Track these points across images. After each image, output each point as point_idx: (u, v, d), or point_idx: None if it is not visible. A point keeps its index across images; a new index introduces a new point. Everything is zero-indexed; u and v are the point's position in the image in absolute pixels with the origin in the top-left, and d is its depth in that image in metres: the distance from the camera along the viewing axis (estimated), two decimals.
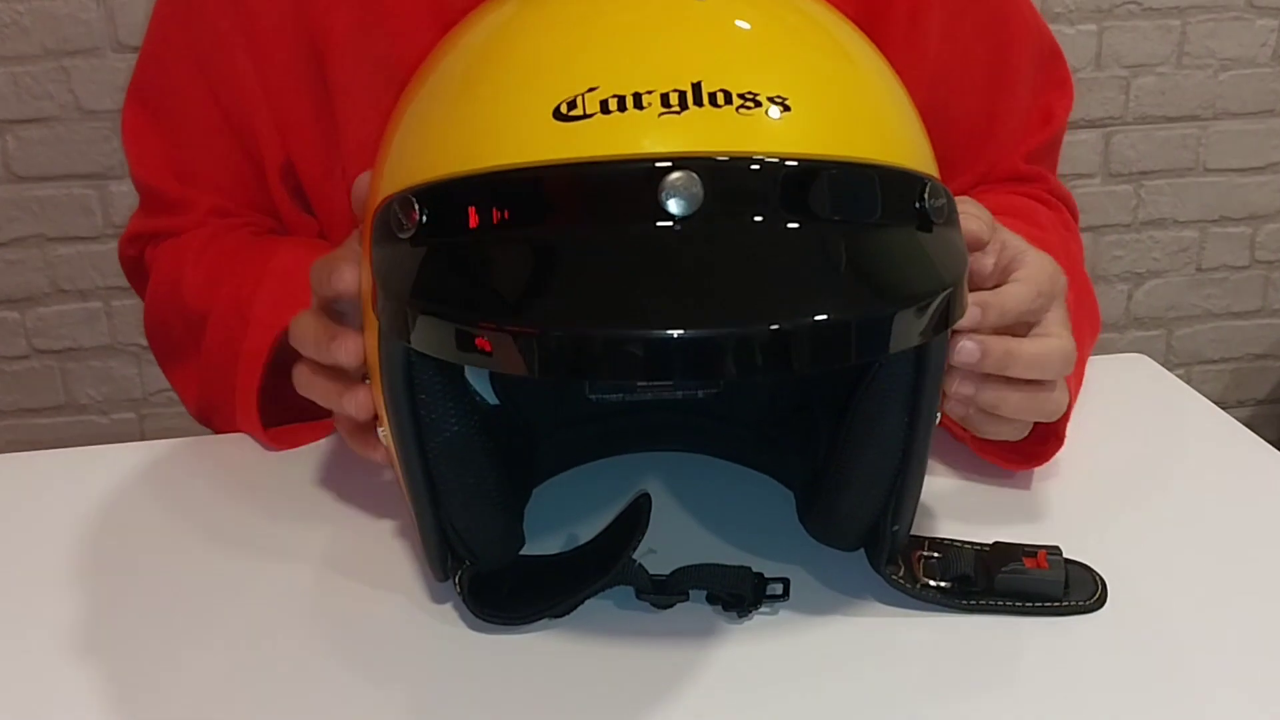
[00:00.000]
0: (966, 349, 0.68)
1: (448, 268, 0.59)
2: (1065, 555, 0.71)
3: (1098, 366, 0.99)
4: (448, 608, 0.71)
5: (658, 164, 0.56)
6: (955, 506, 0.79)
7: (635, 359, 0.55)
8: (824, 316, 0.56)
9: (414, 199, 0.60)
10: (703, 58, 0.59)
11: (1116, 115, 2.11)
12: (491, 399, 0.79)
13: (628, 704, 0.64)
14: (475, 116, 0.60)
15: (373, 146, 0.67)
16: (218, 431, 0.94)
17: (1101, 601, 0.70)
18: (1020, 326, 0.71)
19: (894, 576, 0.70)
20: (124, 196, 1.75)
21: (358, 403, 0.70)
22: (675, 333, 0.54)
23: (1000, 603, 0.69)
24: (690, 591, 0.70)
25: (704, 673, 0.65)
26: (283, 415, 0.89)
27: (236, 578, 0.74)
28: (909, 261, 0.60)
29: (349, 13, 0.91)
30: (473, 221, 0.59)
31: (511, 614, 0.69)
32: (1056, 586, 0.69)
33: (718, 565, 0.70)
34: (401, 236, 0.61)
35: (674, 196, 0.56)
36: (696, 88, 0.58)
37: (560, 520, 0.77)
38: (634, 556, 0.69)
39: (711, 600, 0.70)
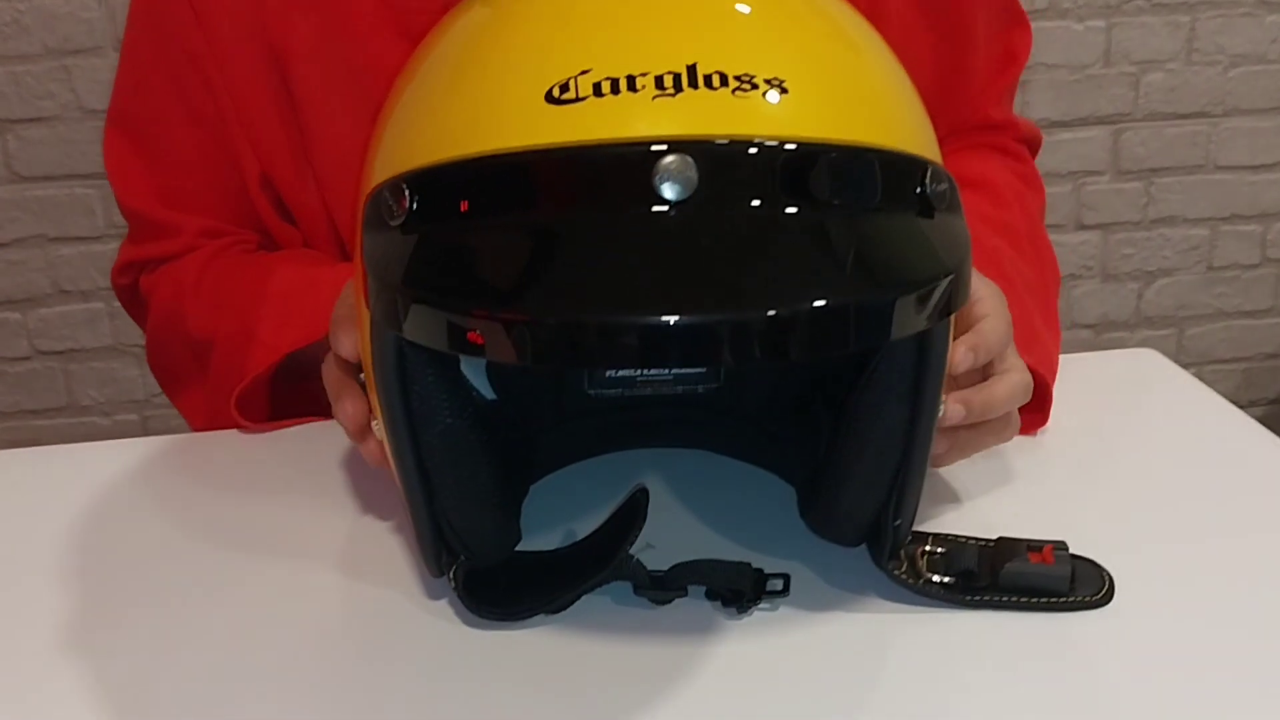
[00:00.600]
0: (955, 412, 0.69)
1: (439, 255, 0.58)
2: (1072, 550, 0.69)
3: (1106, 361, 0.98)
4: (443, 604, 0.70)
5: (652, 147, 0.55)
6: (959, 501, 0.78)
7: (630, 346, 0.54)
8: (823, 302, 0.55)
9: (404, 185, 0.59)
10: (698, 39, 0.58)
11: (1125, 112, 2.10)
12: (489, 394, 0.78)
13: (625, 701, 0.62)
14: (466, 101, 0.59)
15: (341, 152, 0.67)
16: None
17: (1108, 598, 0.68)
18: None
19: (896, 572, 0.68)
20: None
21: (368, 450, 0.71)
22: (670, 319, 0.53)
23: (1005, 599, 0.68)
24: (689, 587, 0.69)
25: (702, 670, 0.64)
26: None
27: (229, 573, 0.74)
28: (910, 247, 0.59)
29: (309, 20, 0.91)
30: (463, 207, 0.58)
31: (507, 610, 0.68)
32: (1062, 582, 0.68)
33: (717, 561, 0.69)
34: (392, 224, 0.60)
35: (668, 181, 0.55)
36: (691, 70, 0.56)
37: (558, 516, 0.76)
38: (632, 552, 0.68)
39: (711, 596, 0.69)
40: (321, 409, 0.77)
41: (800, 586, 0.69)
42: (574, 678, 0.64)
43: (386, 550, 0.75)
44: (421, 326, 0.57)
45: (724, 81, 0.56)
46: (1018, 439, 0.80)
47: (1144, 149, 2.14)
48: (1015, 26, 1.02)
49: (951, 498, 0.78)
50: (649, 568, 0.69)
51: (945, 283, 0.58)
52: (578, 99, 0.56)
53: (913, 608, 0.68)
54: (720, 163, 0.56)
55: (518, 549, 0.72)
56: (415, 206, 0.59)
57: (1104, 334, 2.28)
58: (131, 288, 1.01)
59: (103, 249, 1.71)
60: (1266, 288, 2.30)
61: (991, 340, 0.71)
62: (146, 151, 0.97)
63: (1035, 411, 0.83)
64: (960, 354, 0.69)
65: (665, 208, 0.55)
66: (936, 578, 0.69)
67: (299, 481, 0.83)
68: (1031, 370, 0.75)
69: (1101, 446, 0.85)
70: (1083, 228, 2.18)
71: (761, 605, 0.68)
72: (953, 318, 0.64)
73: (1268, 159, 2.17)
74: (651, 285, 0.54)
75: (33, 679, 0.65)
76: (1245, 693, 0.62)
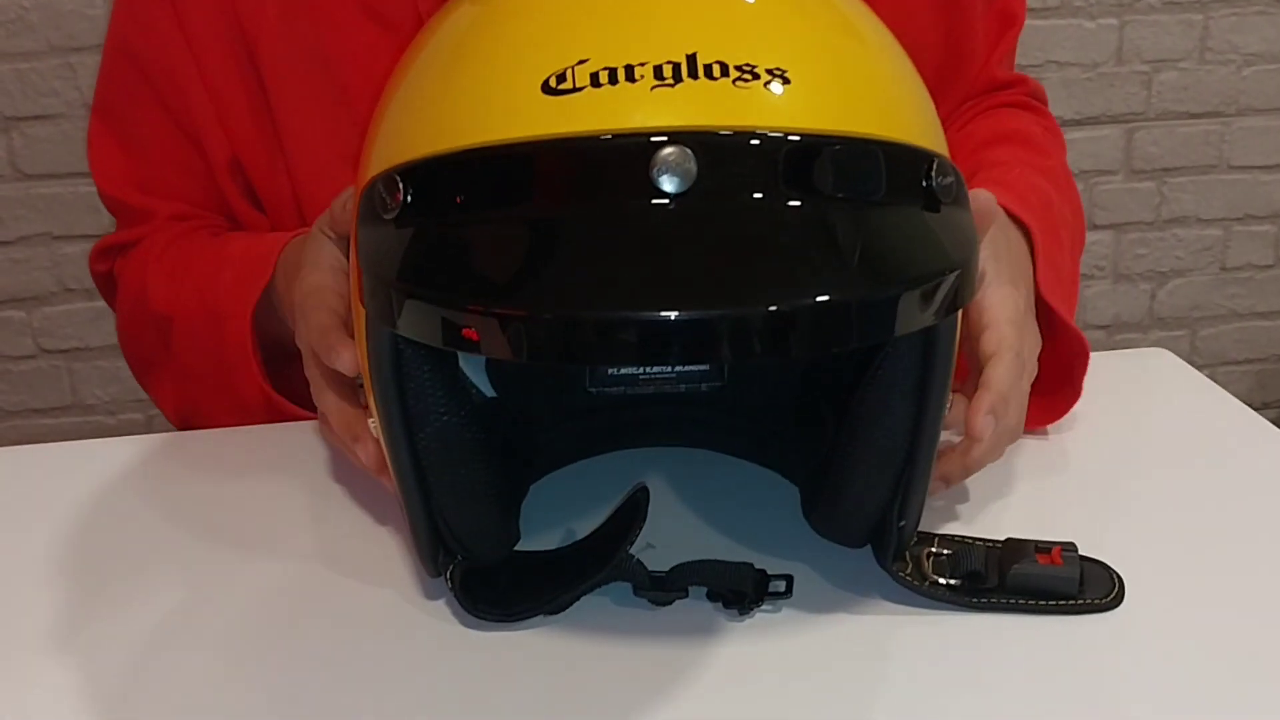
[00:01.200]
0: (936, 487, 0.70)
1: (433, 249, 0.57)
2: (1081, 552, 0.68)
3: (1119, 361, 0.97)
4: (440, 604, 0.69)
5: (651, 139, 0.54)
6: (967, 501, 0.77)
7: (626, 342, 0.53)
8: (825, 298, 0.53)
9: (398, 178, 0.58)
10: (698, 28, 0.57)
11: (1138, 111, 2.08)
12: (488, 391, 0.77)
13: (624, 704, 0.61)
14: (462, 92, 0.58)
15: (309, 136, 0.66)
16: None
17: (1118, 600, 0.67)
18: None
19: (901, 574, 0.67)
20: None
21: (366, 452, 0.70)
22: (669, 314, 0.51)
23: (1012, 601, 0.67)
24: (690, 588, 0.68)
25: (703, 672, 0.63)
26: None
27: (225, 571, 0.73)
28: (915, 241, 0.58)
29: (277, 3, 0.91)
30: (458, 200, 0.57)
31: (505, 610, 0.67)
32: (1071, 584, 0.67)
33: (719, 561, 0.68)
34: (386, 217, 0.59)
35: (667, 173, 0.54)
36: (691, 59, 0.55)
37: (558, 516, 0.75)
38: (632, 552, 0.66)
39: (712, 597, 0.68)
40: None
41: (803, 588, 0.68)
42: (573, 679, 0.63)
43: (384, 549, 0.74)
44: (416, 322, 0.56)
45: (725, 71, 0.55)
46: (1025, 437, 0.79)
47: (1157, 148, 2.12)
48: None
49: (959, 498, 0.77)
50: (650, 568, 0.68)
51: (951, 278, 0.57)
52: (575, 89, 0.55)
53: (918, 610, 0.67)
54: (721, 155, 0.55)
55: (516, 548, 0.71)
56: (409, 199, 0.58)
57: (1116, 335, 2.26)
58: (108, 274, 1.01)
59: None
60: None
61: (1005, 388, 0.70)
62: (123, 138, 0.97)
63: (1065, 387, 0.83)
64: (980, 422, 0.68)
65: (665, 201, 0.54)
66: (942, 579, 0.67)
67: (298, 479, 0.82)
68: (1063, 350, 0.75)
69: (1112, 447, 0.83)
70: (1095, 227, 2.16)
71: (764, 607, 0.67)
72: (960, 314, 0.63)
73: None
74: (650, 280, 0.53)
75: (26, 676, 0.65)
76: (1257, 697, 0.61)
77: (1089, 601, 0.67)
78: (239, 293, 0.87)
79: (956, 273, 0.57)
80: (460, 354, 0.66)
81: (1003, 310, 0.72)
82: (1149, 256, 2.21)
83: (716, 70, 0.55)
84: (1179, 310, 2.26)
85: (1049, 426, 0.85)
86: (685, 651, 0.65)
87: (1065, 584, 0.67)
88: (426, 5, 0.87)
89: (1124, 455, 0.82)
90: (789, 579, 0.68)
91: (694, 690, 0.62)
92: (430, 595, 0.69)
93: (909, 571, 0.68)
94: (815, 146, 0.56)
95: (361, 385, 0.68)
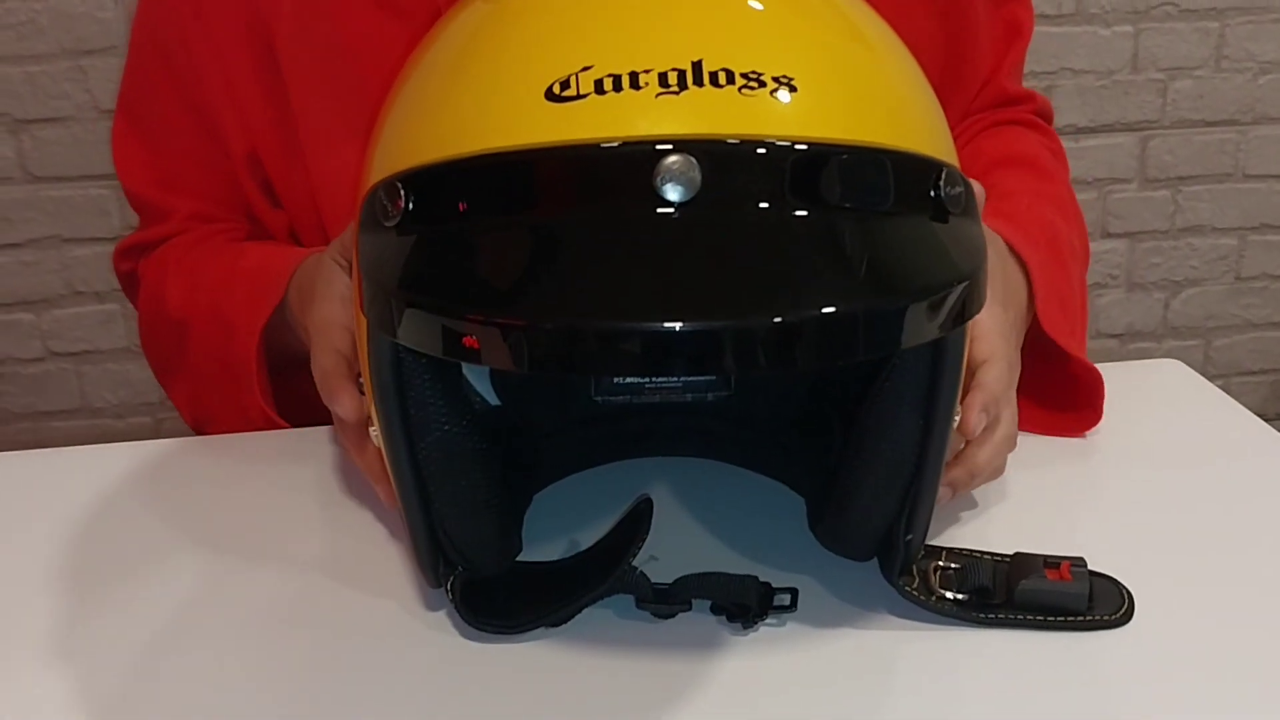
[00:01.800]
0: (943, 494, 0.70)
1: (434, 257, 0.56)
2: (1090, 567, 0.67)
3: (1130, 371, 0.96)
4: (441, 615, 0.68)
5: (658, 146, 0.53)
6: (975, 514, 0.76)
7: (628, 353, 0.52)
8: (831, 309, 0.52)
9: (399, 185, 0.57)
10: (704, 35, 0.56)
11: (1153, 119, 2.07)
12: (493, 399, 0.76)
13: (626, 717, 0.61)
14: (465, 98, 0.58)
15: (325, 129, 0.65)
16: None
17: (1128, 616, 0.66)
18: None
19: (908, 588, 0.66)
20: None
21: (367, 461, 0.72)
22: (671, 325, 0.51)
23: (1020, 616, 0.66)
24: (693, 601, 0.67)
25: (706, 686, 0.62)
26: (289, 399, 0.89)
27: (228, 578, 0.72)
28: (923, 252, 0.57)
29: None
30: (460, 208, 0.56)
31: (506, 622, 0.66)
32: (1080, 600, 0.66)
33: (723, 574, 0.67)
34: (387, 225, 0.58)
35: (670, 181, 0.53)
36: (697, 66, 0.54)
37: (561, 526, 0.75)
38: (635, 563, 0.66)
39: (716, 610, 0.67)
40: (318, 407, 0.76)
41: (808, 601, 0.67)
42: (574, 693, 0.63)
43: (388, 559, 0.73)
44: (416, 331, 0.55)
45: (730, 79, 0.54)
46: (1034, 450, 0.78)
47: (1172, 157, 2.11)
48: (1015, 1, 1.01)
49: (968, 510, 0.76)
50: (653, 580, 0.67)
51: (959, 289, 0.56)
52: (579, 96, 0.54)
53: (925, 625, 0.66)
54: (726, 163, 0.54)
55: (519, 559, 0.70)
56: (411, 207, 0.57)
57: (1130, 344, 2.25)
58: (131, 274, 1.01)
59: None
60: None
61: (998, 391, 0.71)
62: (146, 136, 0.97)
63: (1086, 409, 0.85)
64: (974, 418, 0.69)
65: (669, 210, 0.53)
66: (950, 594, 0.67)
67: (304, 486, 0.81)
68: (1079, 367, 0.76)
69: (1123, 459, 0.82)
70: (1109, 236, 2.15)
71: (768, 620, 0.66)
72: (969, 325, 0.62)
73: None
74: (652, 290, 0.52)
75: (29, 679, 0.64)
76: (1268, 718, 0.60)
77: (1098, 618, 0.66)
78: (249, 310, 0.87)
79: (965, 283, 0.57)
80: (463, 362, 0.65)
81: (993, 323, 0.73)
82: (1163, 265, 2.20)
83: (722, 78, 0.54)
84: (1193, 320, 2.24)
85: (1058, 439, 0.84)
86: (688, 665, 0.64)
87: (1074, 600, 0.66)
88: None
89: (1135, 467, 0.82)
90: (794, 592, 0.67)
91: (696, 705, 0.61)
92: (431, 606, 0.69)
93: (915, 586, 0.67)
94: (822, 155, 0.56)
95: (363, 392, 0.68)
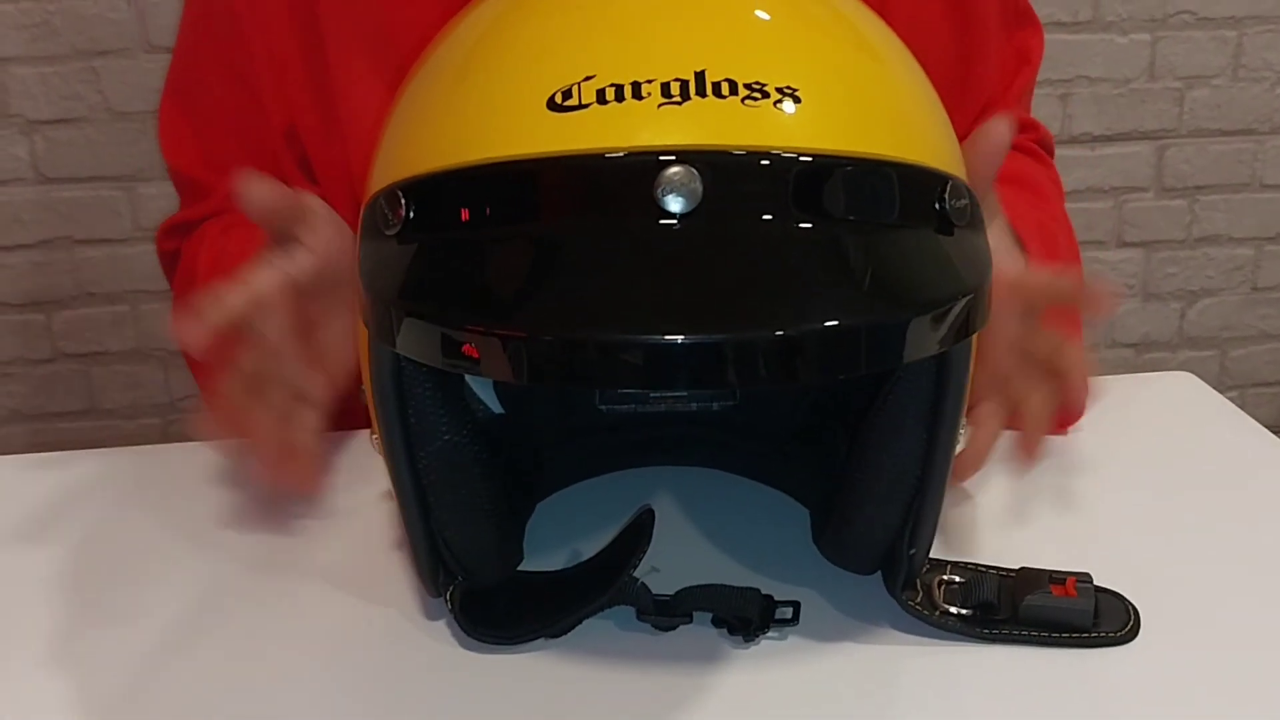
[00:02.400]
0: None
1: (434, 266, 0.56)
2: (1097, 583, 0.66)
3: (1142, 384, 0.95)
4: (441, 624, 0.68)
5: (661, 157, 0.53)
6: (981, 528, 0.75)
7: (629, 366, 0.51)
8: (834, 322, 0.52)
9: (400, 193, 0.57)
10: (707, 45, 0.55)
11: (1170, 128, 2.06)
12: (496, 407, 0.76)
13: None
14: (466, 107, 0.57)
15: (365, 109, 0.65)
16: None
17: (1134, 633, 0.65)
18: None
19: (911, 603, 0.66)
20: (153, 199, 1.74)
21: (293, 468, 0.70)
22: (672, 338, 0.50)
23: (1024, 633, 0.65)
24: (695, 613, 0.66)
25: (706, 699, 0.62)
26: None
27: (227, 586, 0.72)
28: (927, 265, 0.56)
29: None
30: (461, 217, 0.56)
31: (506, 633, 0.65)
32: (1085, 616, 0.65)
33: (724, 586, 0.67)
34: (388, 233, 0.58)
35: (671, 193, 0.52)
36: (700, 77, 0.54)
37: (564, 535, 0.74)
38: (636, 575, 0.65)
39: (717, 623, 0.67)
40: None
41: (811, 615, 0.67)
42: (572, 704, 0.62)
43: (388, 567, 0.73)
44: (414, 341, 0.55)
45: (734, 89, 0.54)
46: (1041, 463, 0.78)
47: (1188, 166, 2.10)
48: (1027, 26, 1.01)
49: (974, 521, 0.75)
50: (655, 591, 0.67)
51: (963, 303, 0.55)
52: (580, 106, 0.54)
53: (928, 640, 0.65)
54: (728, 175, 0.53)
55: (520, 569, 0.70)
56: (411, 216, 0.57)
57: (1145, 354, 2.24)
58: (174, 254, 1.00)
59: (129, 252, 1.70)
60: None
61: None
62: (193, 114, 0.97)
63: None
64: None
65: (671, 221, 0.53)
66: (954, 609, 0.66)
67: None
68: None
69: (1132, 473, 0.82)
70: (1124, 245, 2.14)
71: (770, 634, 0.66)
72: (975, 338, 0.62)
73: None
74: (653, 302, 0.52)
75: (29, 684, 0.64)
76: None
77: (1103, 635, 0.65)
78: None
79: (969, 297, 0.56)
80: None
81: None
82: (1179, 275, 2.19)
83: (725, 88, 0.54)
84: (1209, 330, 2.23)
85: (1069, 453, 0.83)
86: (688, 678, 0.63)
87: (1079, 616, 0.65)
88: None
89: (1144, 481, 0.81)
90: (796, 606, 0.67)
91: (696, 717, 0.61)
92: (432, 615, 0.68)
93: (919, 600, 0.66)
94: (826, 167, 0.55)
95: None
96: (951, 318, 0.55)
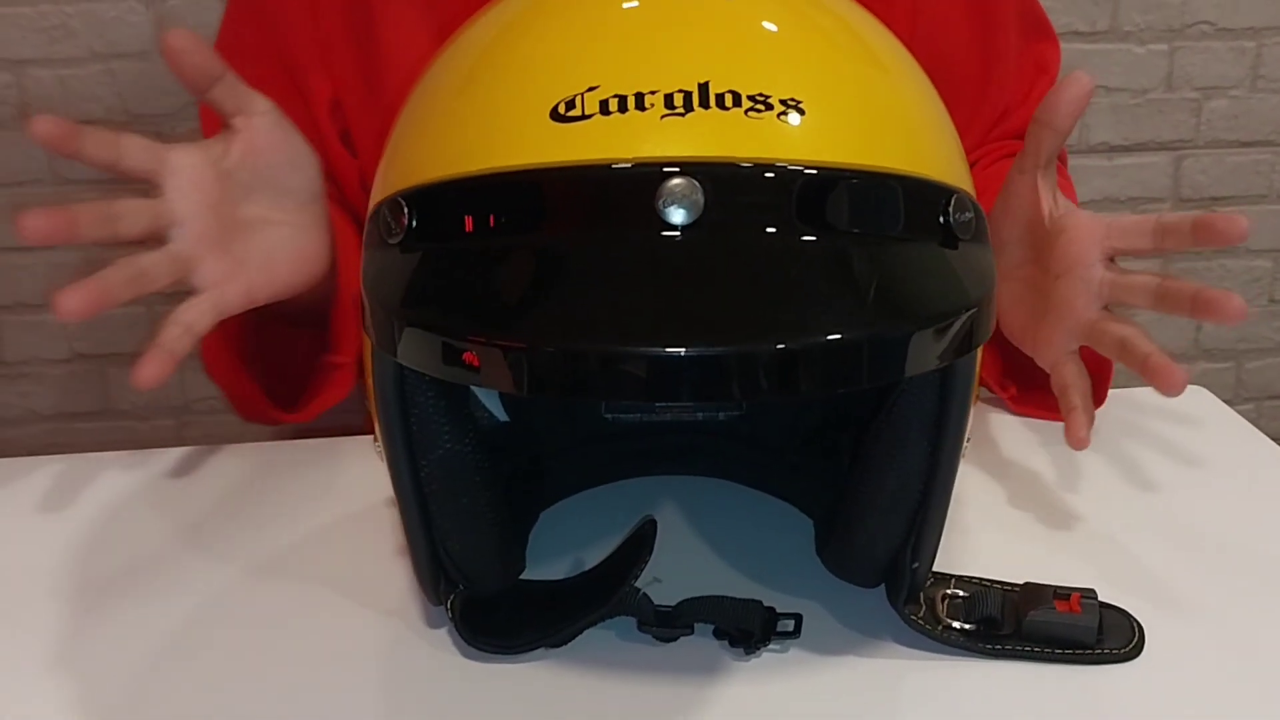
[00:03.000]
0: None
1: (435, 275, 0.56)
2: (1101, 599, 0.66)
3: (1154, 398, 0.94)
4: (442, 633, 0.67)
5: (665, 168, 0.53)
6: (986, 542, 0.75)
7: (628, 377, 0.51)
8: (836, 336, 0.52)
9: (403, 202, 0.57)
10: (711, 56, 0.55)
11: (1187, 139, 2.04)
12: (501, 415, 0.76)
13: None
14: (470, 117, 0.57)
15: (413, 78, 0.64)
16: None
17: (1138, 650, 0.65)
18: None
19: (914, 617, 0.65)
20: None
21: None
22: (672, 350, 0.50)
23: (1028, 648, 0.65)
24: (696, 625, 0.66)
25: (706, 712, 0.62)
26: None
27: (230, 590, 0.72)
28: (930, 279, 0.56)
29: None
30: (463, 227, 0.56)
31: (506, 642, 0.65)
32: (1089, 633, 0.65)
33: (726, 598, 0.67)
34: (391, 242, 0.58)
35: (673, 204, 0.52)
36: (703, 88, 0.54)
37: (568, 544, 0.74)
38: (638, 585, 0.65)
39: (718, 635, 0.66)
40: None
41: (813, 628, 0.67)
42: (573, 715, 0.62)
43: (390, 574, 0.72)
44: (415, 351, 0.55)
45: (737, 101, 0.54)
46: (1051, 476, 0.77)
47: (1205, 177, 2.08)
48: (1044, 39, 1.02)
49: (978, 538, 0.75)
50: (656, 603, 0.66)
51: (965, 317, 0.55)
52: (584, 117, 0.54)
53: (930, 655, 0.65)
54: (730, 186, 0.53)
55: (522, 577, 0.69)
56: (414, 224, 0.57)
57: None
58: None
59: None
60: None
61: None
62: None
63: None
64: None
65: (673, 232, 0.53)
66: (957, 624, 0.66)
67: (313, 497, 0.81)
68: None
69: (1141, 488, 0.81)
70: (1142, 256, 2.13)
71: (771, 646, 0.66)
72: (979, 350, 0.61)
73: None
74: (653, 314, 0.52)
75: (32, 687, 0.64)
76: None
77: (1107, 652, 0.65)
78: None
79: (972, 311, 0.56)
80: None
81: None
82: None
83: (729, 100, 0.54)
84: (1225, 342, 2.22)
85: (1078, 466, 0.83)
86: (688, 690, 0.63)
87: (1083, 633, 0.65)
88: None
89: (1152, 496, 0.80)
90: (798, 619, 0.66)
91: None
92: (433, 623, 0.68)
93: (922, 614, 0.66)
94: (830, 180, 0.55)
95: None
96: (954, 331, 0.55)
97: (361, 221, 0.70)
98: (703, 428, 0.80)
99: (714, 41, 0.56)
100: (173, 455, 0.88)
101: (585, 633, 0.65)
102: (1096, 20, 1.95)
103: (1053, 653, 0.64)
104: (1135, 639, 0.65)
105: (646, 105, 0.54)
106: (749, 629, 0.65)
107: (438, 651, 0.66)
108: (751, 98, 0.54)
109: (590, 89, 0.54)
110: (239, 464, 0.86)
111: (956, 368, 0.60)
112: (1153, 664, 0.64)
